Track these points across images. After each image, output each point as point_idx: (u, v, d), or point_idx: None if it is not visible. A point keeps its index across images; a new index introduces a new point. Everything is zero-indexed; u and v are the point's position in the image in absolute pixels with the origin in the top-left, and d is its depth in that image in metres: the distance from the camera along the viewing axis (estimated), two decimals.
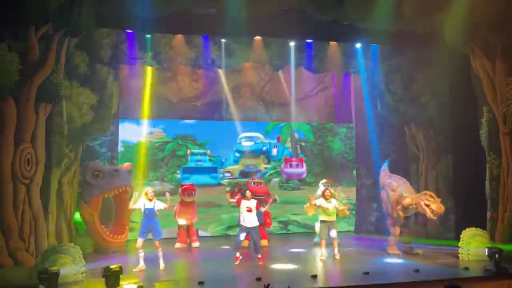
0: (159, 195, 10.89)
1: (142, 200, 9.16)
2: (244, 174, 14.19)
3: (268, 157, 14.51)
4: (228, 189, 9.69)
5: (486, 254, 8.74)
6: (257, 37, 12.12)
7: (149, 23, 10.44)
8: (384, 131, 13.94)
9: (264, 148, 14.37)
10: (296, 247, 11.79)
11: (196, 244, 11.79)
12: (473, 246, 9.67)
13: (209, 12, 10.38)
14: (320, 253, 10.09)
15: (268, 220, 11.86)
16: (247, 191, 9.92)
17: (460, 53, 10.86)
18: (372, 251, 10.95)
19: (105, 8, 9.55)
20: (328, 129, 15.09)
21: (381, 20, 10.11)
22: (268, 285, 5.76)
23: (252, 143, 14.46)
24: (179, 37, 11.91)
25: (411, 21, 10.30)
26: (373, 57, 12.98)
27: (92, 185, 11.12)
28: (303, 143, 14.90)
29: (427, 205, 9.37)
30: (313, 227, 12.77)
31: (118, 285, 7.07)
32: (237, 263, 9.51)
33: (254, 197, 10.04)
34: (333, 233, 10.14)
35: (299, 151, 14.84)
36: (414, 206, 9.73)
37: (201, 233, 12.59)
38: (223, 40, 12.08)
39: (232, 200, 10.15)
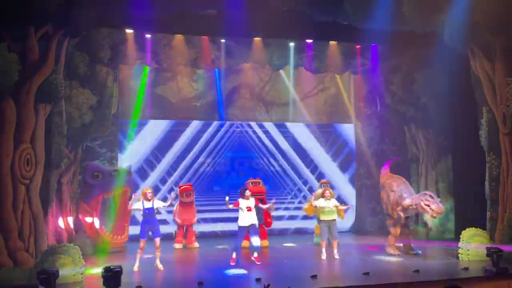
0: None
1: (141, 200, 9.18)
2: None
3: None
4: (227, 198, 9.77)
5: (486, 254, 8.73)
6: (257, 38, 12.12)
7: (149, 23, 10.44)
8: (384, 131, 13.93)
9: None
10: (296, 247, 11.79)
11: (195, 244, 11.78)
12: (473, 246, 9.67)
13: (209, 12, 10.38)
14: (321, 253, 10.08)
15: (269, 220, 11.86)
16: (246, 191, 9.92)
17: (459, 54, 10.86)
18: (372, 251, 10.94)
19: (105, 8, 9.55)
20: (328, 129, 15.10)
21: (381, 20, 10.11)
22: (268, 285, 5.77)
23: None
24: (179, 37, 11.90)
25: (411, 21, 10.30)
26: (373, 57, 12.97)
27: (92, 186, 11.12)
28: None
29: (427, 205, 9.40)
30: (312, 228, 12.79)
31: (119, 285, 7.06)
32: (233, 264, 9.50)
33: (252, 196, 10.06)
34: (334, 233, 10.13)
35: None
36: (414, 206, 9.74)
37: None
38: (222, 41, 12.08)
39: (230, 206, 10.12)
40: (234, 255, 9.63)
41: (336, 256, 9.99)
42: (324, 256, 10.03)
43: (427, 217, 12.26)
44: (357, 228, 14.38)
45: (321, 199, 10.27)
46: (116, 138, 13.00)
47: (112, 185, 11.18)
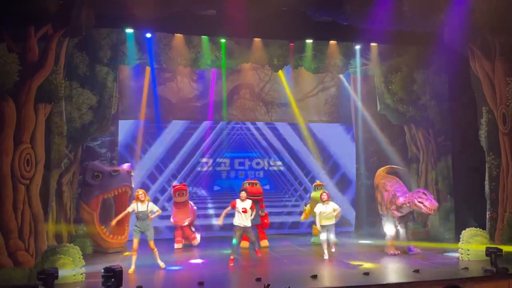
0: None
1: (133, 203, 9.23)
2: None
3: None
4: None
5: (485, 254, 8.73)
6: (257, 38, 12.11)
7: (149, 23, 10.44)
8: (384, 131, 13.93)
9: None
10: (296, 247, 11.79)
11: (196, 241, 11.78)
12: (473, 246, 9.67)
13: (209, 12, 10.38)
14: (324, 254, 10.12)
15: (266, 221, 11.86)
16: (242, 192, 9.92)
17: (459, 53, 10.86)
18: (372, 251, 10.94)
19: (104, 8, 9.54)
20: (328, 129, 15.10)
21: (381, 21, 10.11)
22: (268, 285, 5.77)
23: None
24: (179, 37, 11.91)
25: (411, 21, 10.31)
26: (373, 57, 12.98)
27: (92, 186, 11.12)
28: None
29: (421, 202, 9.46)
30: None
31: (120, 285, 7.06)
32: (231, 265, 9.51)
33: (249, 197, 10.06)
34: (332, 236, 10.16)
35: None
36: (407, 204, 9.79)
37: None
38: (222, 41, 12.09)
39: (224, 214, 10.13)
40: (232, 257, 9.65)
41: (332, 249, 10.10)
42: (326, 256, 10.07)
43: (430, 217, 12.28)
44: (357, 228, 14.39)
45: (319, 204, 10.26)
46: (116, 138, 13.00)
47: (112, 185, 11.16)
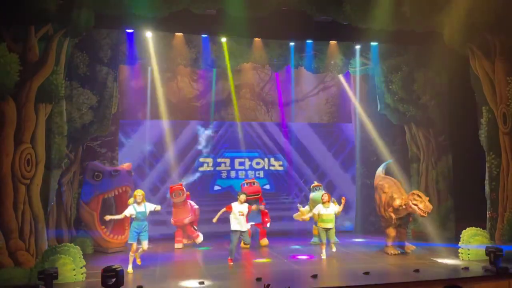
0: None
1: (130, 206, 9.24)
2: None
3: None
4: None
5: (485, 253, 8.73)
6: (257, 38, 12.11)
7: (149, 23, 10.44)
8: (384, 131, 13.93)
9: None
10: (296, 247, 11.80)
11: (199, 239, 11.79)
12: (473, 246, 9.67)
13: (209, 12, 10.38)
14: (321, 253, 10.14)
15: (266, 219, 11.88)
16: (241, 195, 9.92)
17: (459, 53, 10.86)
18: (372, 251, 10.94)
19: (104, 8, 9.54)
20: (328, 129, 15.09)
21: (381, 20, 10.11)
22: (268, 285, 5.77)
23: None
24: (179, 37, 11.92)
25: (411, 21, 10.31)
26: (373, 57, 12.98)
27: (92, 186, 11.12)
28: None
29: (416, 205, 9.50)
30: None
31: (122, 284, 7.07)
32: (231, 264, 9.55)
33: (248, 197, 10.09)
34: (332, 237, 10.20)
35: None
36: (404, 207, 9.84)
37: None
38: (223, 41, 12.09)
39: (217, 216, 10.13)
40: (230, 256, 9.68)
41: (333, 250, 10.12)
42: (324, 256, 10.08)
43: (430, 217, 12.28)
44: (357, 228, 14.39)
45: (320, 205, 10.28)
46: (116, 138, 13.00)
47: (113, 185, 11.16)
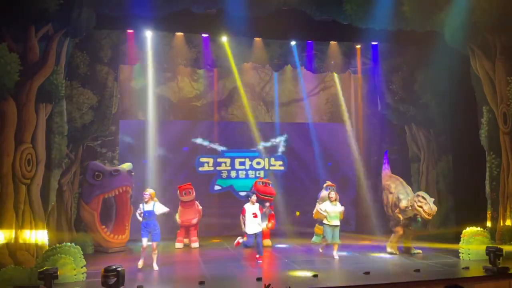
0: None
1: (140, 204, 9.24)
2: None
3: None
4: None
5: (485, 253, 8.72)
6: (257, 38, 12.11)
7: (149, 23, 10.45)
8: (385, 131, 13.93)
9: None
10: (296, 246, 11.81)
11: (195, 244, 11.76)
12: (473, 245, 9.66)
13: (209, 12, 10.39)
14: (319, 249, 10.20)
15: (273, 221, 11.86)
16: (253, 196, 9.88)
17: (460, 53, 10.86)
18: (372, 251, 10.94)
19: (105, 8, 9.56)
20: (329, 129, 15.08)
21: (381, 20, 10.11)
22: (269, 285, 5.77)
23: None
24: (179, 37, 11.92)
25: (411, 20, 10.31)
26: (374, 57, 12.99)
27: (93, 185, 11.12)
28: None
29: (420, 207, 9.48)
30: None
31: (122, 284, 7.07)
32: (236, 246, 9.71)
33: (260, 196, 10.05)
34: (336, 236, 10.16)
35: None
36: (410, 208, 9.82)
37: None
38: (223, 40, 12.08)
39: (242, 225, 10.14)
40: (239, 240, 9.72)
41: (336, 257, 10.01)
42: (321, 249, 10.20)
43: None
44: (357, 228, 14.38)
45: (327, 203, 10.30)
46: (116, 138, 13.00)
47: (113, 185, 11.16)
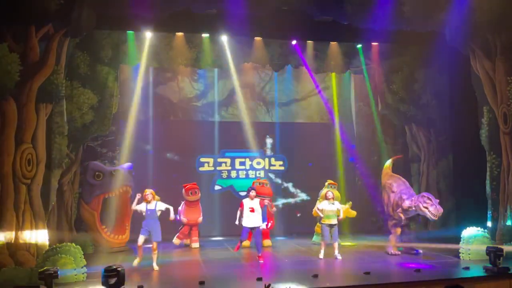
0: None
1: (143, 203, 9.25)
2: None
3: None
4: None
5: (486, 253, 8.72)
6: (257, 37, 12.11)
7: (149, 23, 10.44)
8: (385, 131, 13.92)
9: None
10: (296, 246, 11.80)
11: (196, 244, 11.77)
12: (473, 245, 9.66)
13: (210, 12, 10.39)
14: (320, 253, 10.11)
15: (272, 221, 11.85)
16: (252, 191, 9.91)
17: (460, 53, 10.86)
18: (372, 251, 10.94)
19: (105, 8, 9.56)
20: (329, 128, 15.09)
21: (381, 20, 10.11)
22: (269, 285, 5.77)
23: None
24: (180, 37, 11.92)
25: (411, 20, 10.31)
26: (374, 57, 12.97)
27: (93, 185, 11.13)
28: None
29: (426, 208, 9.46)
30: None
31: (122, 284, 7.07)
32: (236, 251, 9.73)
33: (258, 197, 10.06)
34: (334, 235, 10.14)
35: None
36: (413, 208, 9.79)
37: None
38: (223, 40, 12.08)
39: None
40: (239, 244, 9.81)
41: (339, 257, 9.98)
42: (321, 255, 10.06)
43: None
44: (358, 227, 14.37)
45: (325, 201, 10.28)
46: (116, 138, 13.00)
47: (113, 185, 11.17)
